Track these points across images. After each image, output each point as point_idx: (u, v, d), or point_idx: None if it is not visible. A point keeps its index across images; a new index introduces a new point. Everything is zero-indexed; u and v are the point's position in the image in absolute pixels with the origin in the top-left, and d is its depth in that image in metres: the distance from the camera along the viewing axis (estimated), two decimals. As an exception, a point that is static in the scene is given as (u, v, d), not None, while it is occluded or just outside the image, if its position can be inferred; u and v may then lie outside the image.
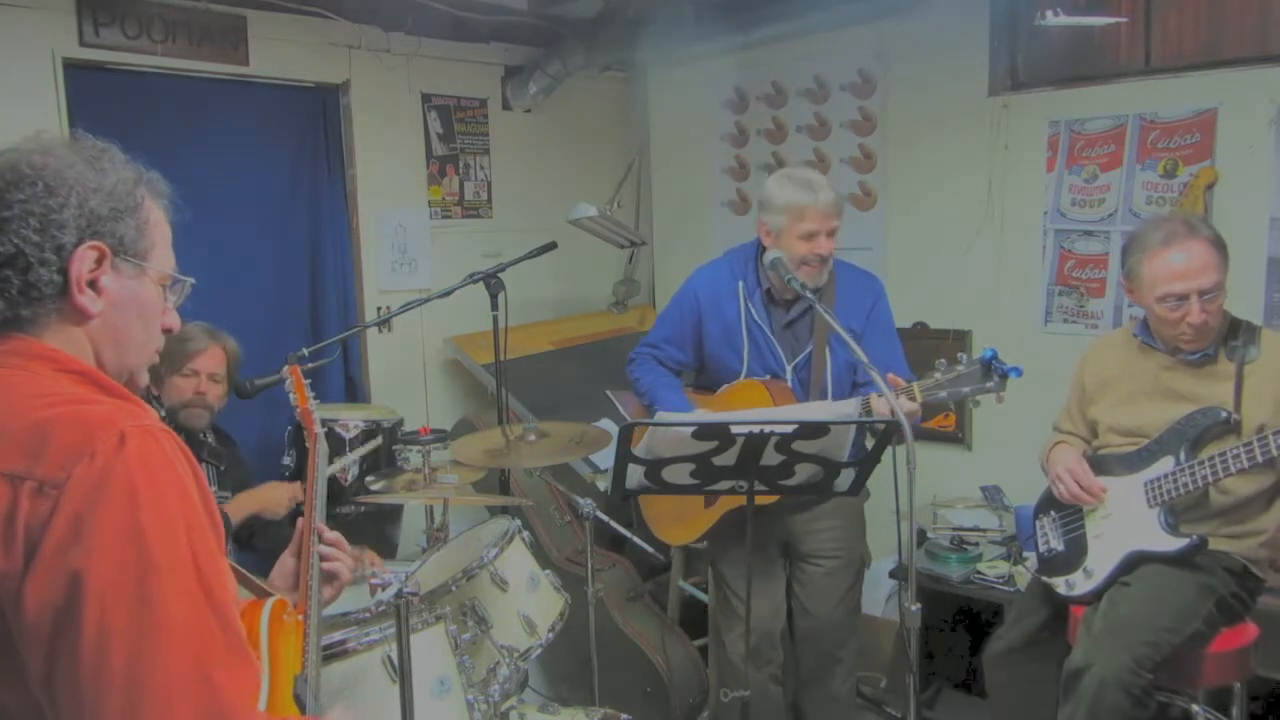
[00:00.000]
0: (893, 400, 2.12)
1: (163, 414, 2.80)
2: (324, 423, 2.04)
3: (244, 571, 1.38)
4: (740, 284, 2.77)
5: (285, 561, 1.62)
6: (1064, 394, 2.75)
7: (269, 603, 1.34)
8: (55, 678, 0.98)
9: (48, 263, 1.09)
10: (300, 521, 1.63)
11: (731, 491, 2.36)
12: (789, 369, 2.72)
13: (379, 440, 3.14)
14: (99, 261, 1.13)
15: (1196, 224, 2.39)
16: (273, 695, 1.19)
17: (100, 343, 1.16)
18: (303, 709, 1.24)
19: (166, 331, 1.26)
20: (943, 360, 2.38)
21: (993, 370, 2.29)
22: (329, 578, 1.59)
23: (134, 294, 1.17)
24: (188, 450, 1.10)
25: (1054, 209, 3.49)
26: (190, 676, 1.00)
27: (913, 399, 2.39)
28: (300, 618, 1.43)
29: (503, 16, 3.87)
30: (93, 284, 1.13)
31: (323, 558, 1.58)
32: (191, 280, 1.26)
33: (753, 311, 2.75)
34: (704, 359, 2.87)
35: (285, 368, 2.17)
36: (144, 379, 1.25)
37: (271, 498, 2.88)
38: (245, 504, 2.84)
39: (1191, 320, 2.33)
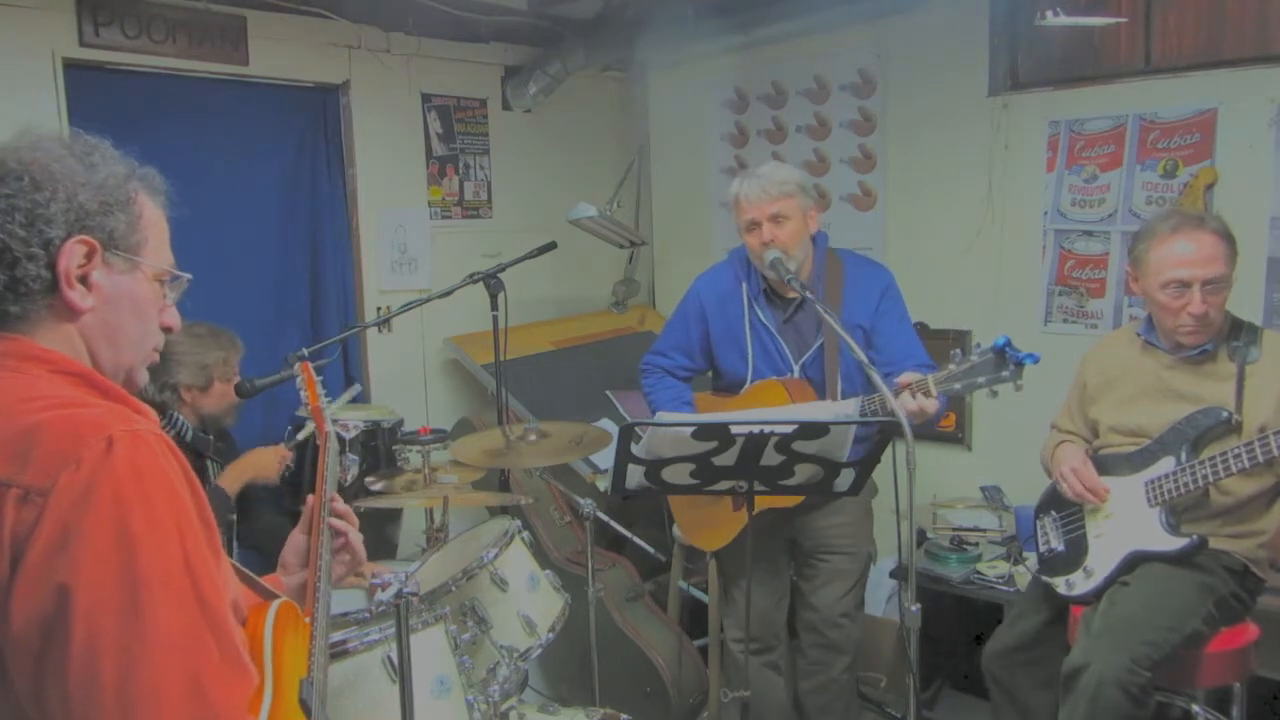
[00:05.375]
0: (892, 401, 2.12)
1: (195, 424, 2.83)
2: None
3: (248, 573, 1.35)
4: (744, 285, 2.76)
5: (296, 539, 1.58)
6: (1064, 394, 2.75)
7: (274, 606, 1.30)
8: (44, 691, 0.96)
9: (35, 258, 1.07)
10: (310, 499, 1.59)
11: (731, 491, 2.36)
12: (796, 368, 2.69)
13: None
14: (89, 256, 1.11)
15: (1206, 217, 2.42)
16: (277, 700, 1.16)
17: (94, 340, 1.13)
18: (308, 713, 1.20)
19: (166, 330, 1.23)
20: (957, 350, 2.29)
21: (1007, 359, 2.19)
22: (342, 550, 1.55)
23: (127, 290, 1.15)
24: (180, 454, 1.08)
25: (1054, 209, 3.49)
26: (182, 689, 0.98)
27: (928, 394, 2.29)
28: (307, 620, 1.39)
29: (503, 16, 3.87)
30: (83, 279, 1.11)
31: (335, 530, 1.54)
32: (189, 276, 1.23)
33: (758, 312, 2.73)
34: (715, 364, 2.86)
35: (295, 365, 2.16)
36: (143, 378, 1.22)
37: (261, 463, 2.87)
38: (239, 472, 2.82)
39: (1192, 310, 2.33)
